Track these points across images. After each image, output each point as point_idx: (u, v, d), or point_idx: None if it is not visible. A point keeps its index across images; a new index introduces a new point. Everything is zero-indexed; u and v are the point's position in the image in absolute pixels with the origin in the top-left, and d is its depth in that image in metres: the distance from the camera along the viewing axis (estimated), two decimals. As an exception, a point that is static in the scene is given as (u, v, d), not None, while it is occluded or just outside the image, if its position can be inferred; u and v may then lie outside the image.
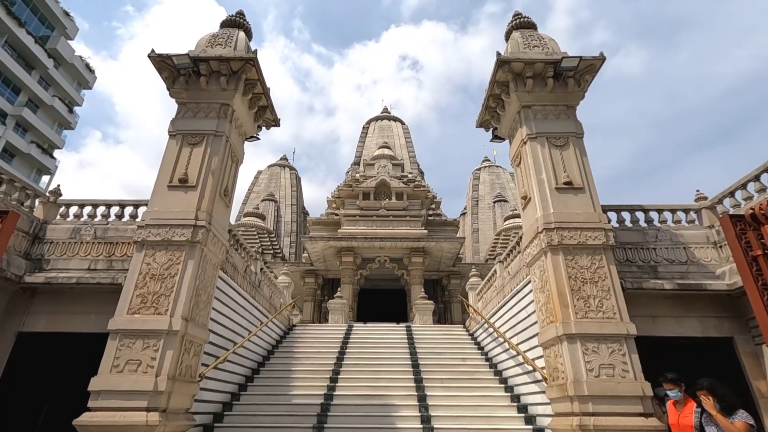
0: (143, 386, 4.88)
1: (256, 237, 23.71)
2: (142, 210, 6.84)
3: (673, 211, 7.09)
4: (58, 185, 7.49)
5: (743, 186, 6.32)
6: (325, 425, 6.31)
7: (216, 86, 6.74)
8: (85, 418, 4.76)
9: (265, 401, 7.06)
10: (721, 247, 6.51)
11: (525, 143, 6.58)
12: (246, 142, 7.71)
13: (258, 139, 7.93)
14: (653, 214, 7.03)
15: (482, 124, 7.92)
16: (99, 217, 7.09)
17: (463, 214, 30.65)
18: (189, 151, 6.37)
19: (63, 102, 31.56)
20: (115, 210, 7.15)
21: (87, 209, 7.17)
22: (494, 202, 29.50)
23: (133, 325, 5.21)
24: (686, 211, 7.11)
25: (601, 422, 4.70)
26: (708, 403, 3.73)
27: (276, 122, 8.04)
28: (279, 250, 25.95)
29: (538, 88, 6.76)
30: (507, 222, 24.44)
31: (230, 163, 6.83)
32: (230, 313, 7.27)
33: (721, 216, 4.41)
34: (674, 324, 6.03)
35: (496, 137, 7.90)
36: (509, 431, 6.31)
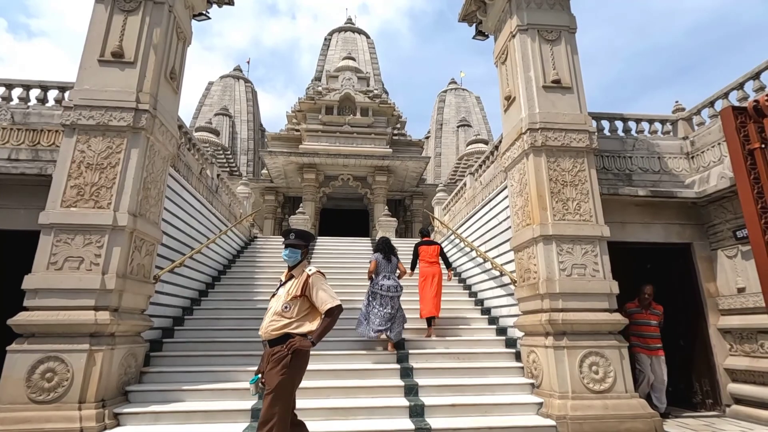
0: (89, 284, 4.36)
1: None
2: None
3: (651, 121, 6.98)
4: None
5: (725, 95, 6.20)
6: (292, 327, 6.18)
7: (152, -61, 5.44)
8: (22, 317, 4.24)
9: (226, 306, 6.80)
10: (692, 157, 6.54)
11: (514, 36, 5.98)
12: (194, 21, 6.57)
13: (209, 18, 6.75)
14: (632, 124, 6.88)
15: (466, 16, 7.14)
16: (16, 101, 5.96)
17: (427, 137, 30.05)
18: (122, 19, 5.25)
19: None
20: (35, 93, 6.00)
21: (-1, 90, 5.98)
22: (458, 127, 29.04)
23: (71, 219, 4.54)
24: (663, 122, 7.01)
25: (569, 317, 4.81)
26: None
27: (230, -1, 6.84)
28: (236, 168, 24.58)
29: (532, -27, 6.03)
30: (470, 147, 24.27)
31: (176, 41, 5.78)
32: (185, 217, 6.66)
33: (722, 109, 4.21)
34: (642, 230, 6.16)
35: (479, 33, 7.20)
36: (475, 330, 6.52)
